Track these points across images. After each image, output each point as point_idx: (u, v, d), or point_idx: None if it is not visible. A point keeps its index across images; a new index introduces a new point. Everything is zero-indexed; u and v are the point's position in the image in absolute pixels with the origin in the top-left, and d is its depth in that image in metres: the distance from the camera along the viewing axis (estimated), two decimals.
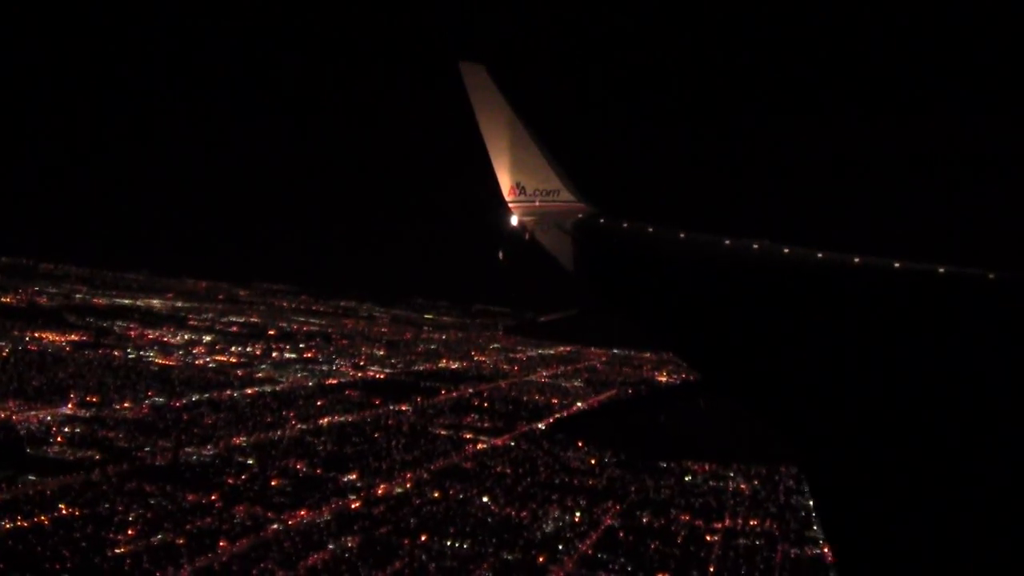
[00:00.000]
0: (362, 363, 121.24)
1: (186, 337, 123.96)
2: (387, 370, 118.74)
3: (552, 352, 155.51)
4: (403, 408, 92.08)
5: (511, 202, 11.89)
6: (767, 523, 63.48)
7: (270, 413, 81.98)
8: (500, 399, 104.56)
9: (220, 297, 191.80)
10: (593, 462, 76.80)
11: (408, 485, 63.98)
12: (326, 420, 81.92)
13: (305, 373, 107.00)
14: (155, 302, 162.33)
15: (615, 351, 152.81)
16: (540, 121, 11.88)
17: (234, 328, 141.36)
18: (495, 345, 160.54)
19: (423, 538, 52.71)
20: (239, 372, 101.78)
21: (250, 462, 65.05)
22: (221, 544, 48.30)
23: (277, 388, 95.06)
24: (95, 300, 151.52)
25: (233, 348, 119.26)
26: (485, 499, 62.26)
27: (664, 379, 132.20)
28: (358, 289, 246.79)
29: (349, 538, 51.69)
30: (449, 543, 52.44)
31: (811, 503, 70.32)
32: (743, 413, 5.04)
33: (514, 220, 11.83)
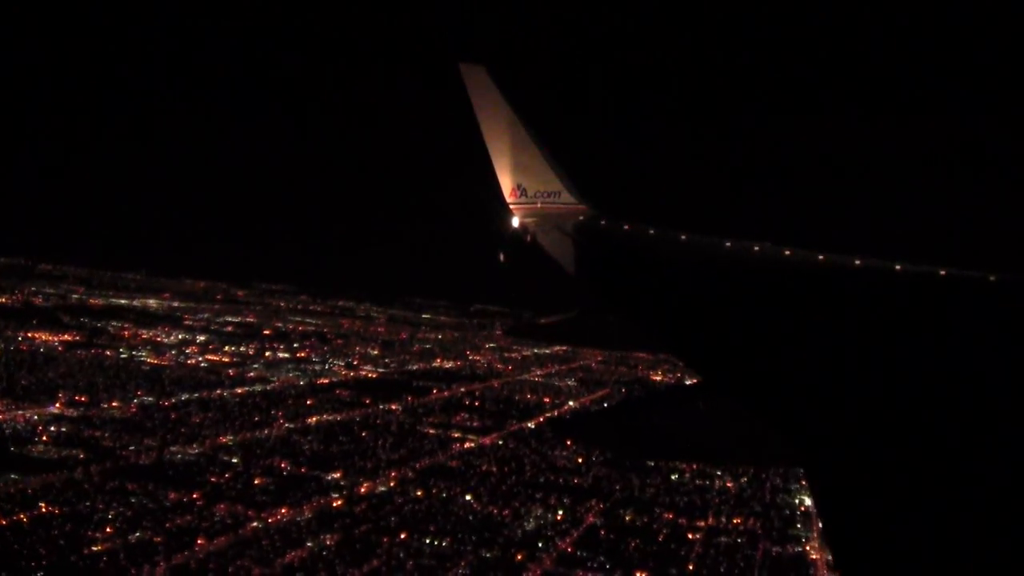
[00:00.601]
0: (355, 363, 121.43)
1: (180, 337, 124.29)
2: (380, 370, 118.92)
3: (548, 352, 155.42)
4: (393, 407, 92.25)
5: (512, 204, 11.92)
6: (752, 522, 63.53)
7: (258, 412, 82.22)
8: (491, 398, 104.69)
9: (218, 297, 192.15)
10: (580, 461, 76.87)
11: (391, 484, 64.15)
12: (314, 419, 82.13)
13: (297, 373, 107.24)
14: (151, 302, 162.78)
15: (613, 351, 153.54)
16: (541, 122, 11.94)
17: (229, 328, 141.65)
18: (491, 345, 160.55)
19: (402, 536, 52.88)
20: (231, 372, 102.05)
21: (234, 461, 65.30)
22: (199, 542, 48.51)
23: (267, 387, 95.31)
24: (91, 300, 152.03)
25: (226, 348, 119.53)
26: (468, 497, 62.41)
27: (659, 379, 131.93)
28: (358, 289, 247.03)
29: (328, 536, 51.88)
30: (428, 541, 52.61)
31: (795, 502, 70.41)
32: (743, 414, 5.06)
33: (515, 222, 11.84)
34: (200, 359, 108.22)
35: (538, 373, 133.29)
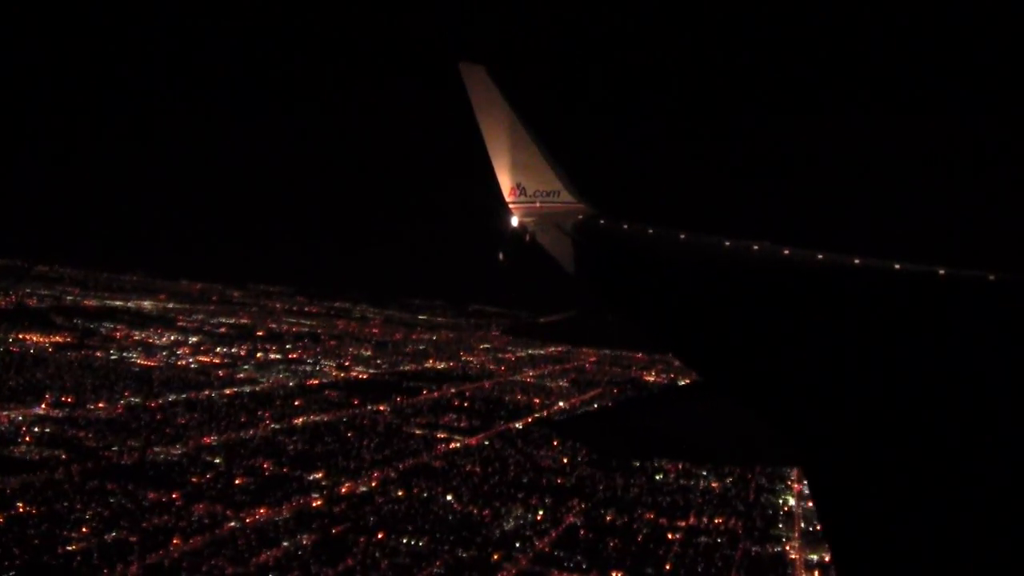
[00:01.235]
0: (347, 364, 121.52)
1: (172, 338, 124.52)
2: (371, 370, 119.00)
3: (543, 352, 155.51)
4: (381, 408, 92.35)
5: (511, 203, 11.95)
6: (733, 521, 63.55)
7: (245, 413, 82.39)
8: (481, 399, 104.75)
9: (213, 299, 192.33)
10: (565, 461, 76.94)
11: (373, 484, 64.27)
12: (300, 420, 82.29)
13: (287, 374, 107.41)
14: (146, 304, 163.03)
15: (607, 351, 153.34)
16: (540, 122, 11.98)
17: (223, 329, 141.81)
18: (485, 345, 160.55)
19: (379, 536, 53.00)
20: (220, 373, 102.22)
21: (217, 461, 65.44)
22: (174, 542, 48.67)
23: (256, 388, 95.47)
24: (85, 302, 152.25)
25: (218, 349, 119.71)
26: (448, 497, 62.50)
27: (652, 380, 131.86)
28: (356, 290, 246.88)
29: (304, 536, 52.01)
30: (404, 540, 52.71)
31: (780, 502, 70.39)
32: (740, 414, 5.07)
33: (514, 221, 11.88)
34: (190, 360, 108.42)
35: (531, 374, 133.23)
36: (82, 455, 62.17)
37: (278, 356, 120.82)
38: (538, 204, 11.96)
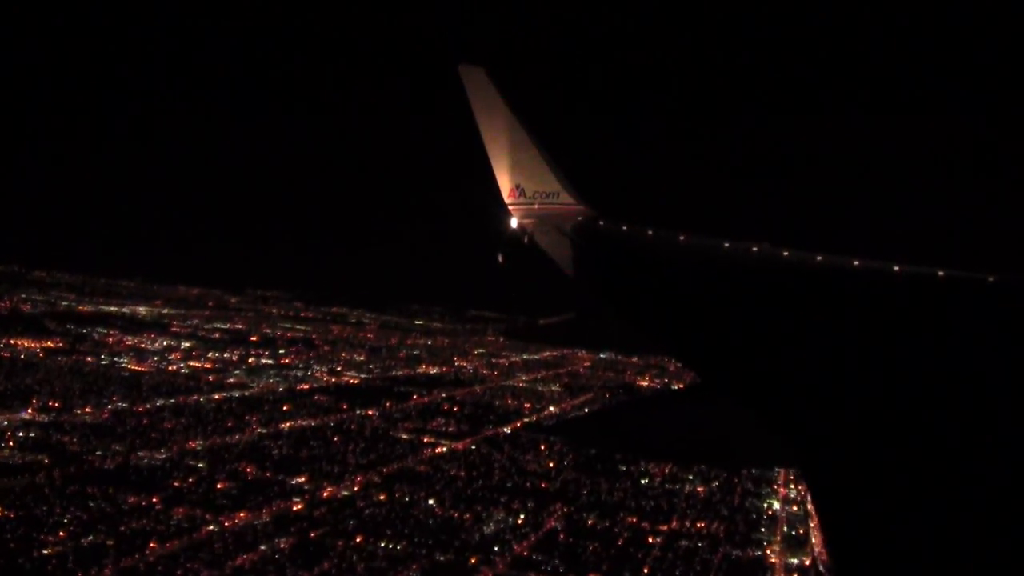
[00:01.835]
0: (339, 369, 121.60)
1: (164, 343, 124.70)
2: (363, 375, 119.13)
3: (537, 357, 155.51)
4: (369, 413, 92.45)
5: (511, 204, 11.98)
6: (716, 525, 63.51)
7: (232, 418, 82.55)
8: (471, 403, 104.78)
9: (209, 304, 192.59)
10: (551, 465, 77.02)
11: (355, 488, 64.36)
12: (287, 425, 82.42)
13: (278, 379, 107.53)
14: (141, 309, 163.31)
15: (602, 356, 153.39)
16: (540, 123, 12.03)
17: (216, 334, 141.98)
18: (480, 350, 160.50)
19: (358, 540, 53.08)
20: (210, 378, 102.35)
21: (200, 465, 65.58)
22: (151, 545, 48.79)
23: (246, 393, 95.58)
24: (80, 307, 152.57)
25: (210, 354, 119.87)
26: (430, 502, 62.56)
27: (645, 384, 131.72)
28: (354, 295, 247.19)
29: (282, 540, 52.11)
30: (383, 544, 52.79)
31: (765, 505, 70.29)
32: (738, 416, 5.04)
33: (514, 223, 11.91)
34: (181, 365, 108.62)
35: (523, 379, 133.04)
36: (64, 459, 62.32)
37: (270, 361, 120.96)
38: (537, 206, 12.03)
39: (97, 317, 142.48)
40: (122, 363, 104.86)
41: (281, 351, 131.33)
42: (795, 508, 70.37)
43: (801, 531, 64.45)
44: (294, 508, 58.35)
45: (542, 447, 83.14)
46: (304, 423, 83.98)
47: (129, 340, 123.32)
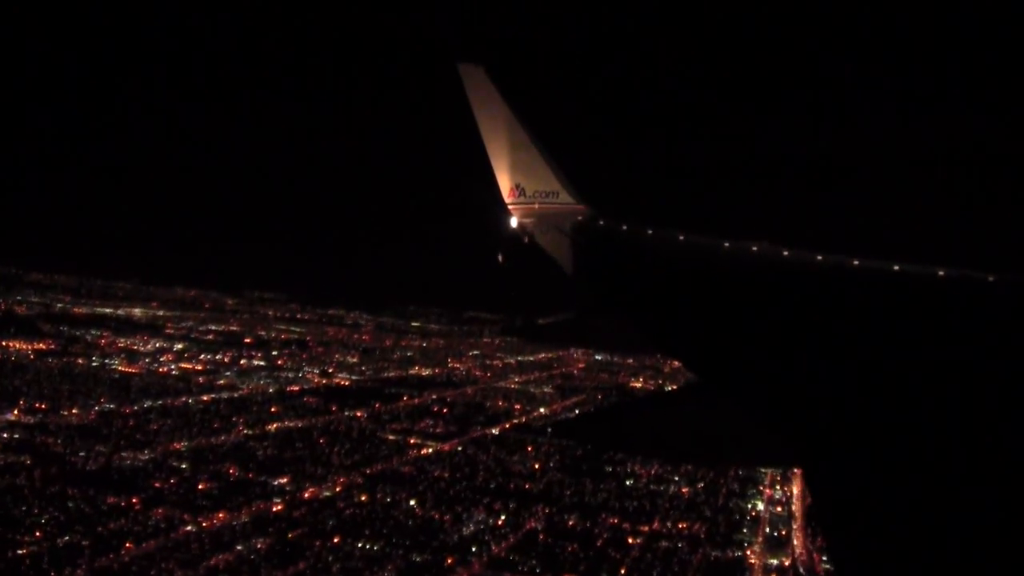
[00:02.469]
0: (331, 370, 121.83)
1: (157, 345, 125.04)
2: (354, 377, 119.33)
3: (532, 358, 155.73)
4: (357, 414, 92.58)
5: (510, 204, 11.94)
6: (698, 526, 63.47)
7: (219, 419, 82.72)
8: (461, 404, 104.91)
9: (206, 306, 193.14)
10: (536, 466, 77.03)
11: (337, 489, 64.46)
12: (274, 426, 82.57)
13: (269, 380, 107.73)
14: (137, 311, 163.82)
15: (597, 357, 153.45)
16: (539, 122, 11.97)
17: (210, 336, 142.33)
18: (474, 352, 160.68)
19: (335, 540, 53.16)
20: (200, 379, 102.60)
21: (183, 467, 65.73)
22: (127, 545, 48.93)
23: (235, 395, 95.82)
24: (75, 309, 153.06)
25: (202, 356, 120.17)
26: (411, 503, 62.61)
27: (639, 386, 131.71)
28: (352, 296, 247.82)
29: (259, 540, 52.21)
30: (360, 545, 52.85)
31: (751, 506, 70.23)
32: (735, 416, 5.04)
33: (513, 222, 11.87)
34: (172, 367, 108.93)
35: (516, 380, 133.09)
36: (46, 460, 62.50)
37: (262, 363, 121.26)
38: (537, 205, 12.00)
39: (91, 319, 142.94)
40: (113, 365, 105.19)
41: (274, 353, 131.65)
42: (779, 509, 70.43)
43: (784, 533, 64.50)
44: (274, 509, 58.44)
45: (529, 448, 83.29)
46: (291, 424, 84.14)
47: (122, 342, 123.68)
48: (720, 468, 72.93)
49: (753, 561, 57.57)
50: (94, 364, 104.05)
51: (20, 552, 46.09)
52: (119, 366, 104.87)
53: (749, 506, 70.82)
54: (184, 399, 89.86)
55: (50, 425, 73.03)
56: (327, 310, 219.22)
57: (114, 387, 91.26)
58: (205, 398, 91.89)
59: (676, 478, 75.68)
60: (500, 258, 11.83)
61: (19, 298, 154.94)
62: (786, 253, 7.69)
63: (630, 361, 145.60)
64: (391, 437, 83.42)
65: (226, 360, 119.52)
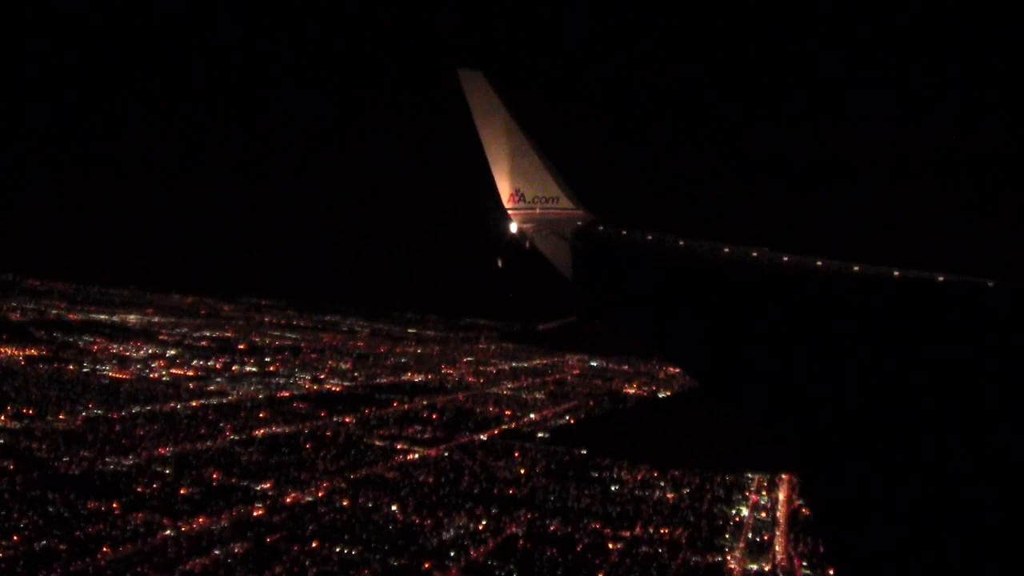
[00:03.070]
0: (323, 377, 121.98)
1: (149, 351, 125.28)
2: (346, 383, 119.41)
3: (526, 364, 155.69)
4: (346, 420, 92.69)
5: (510, 209, 11.98)
6: (679, 531, 63.53)
7: (206, 425, 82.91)
8: (452, 410, 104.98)
9: (201, 312, 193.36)
10: (521, 472, 77.12)
11: (320, 494, 64.60)
12: (261, 431, 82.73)
13: (259, 386, 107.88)
14: (131, 317, 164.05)
15: (592, 363, 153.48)
16: (539, 128, 12.05)
17: (203, 343, 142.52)
18: (468, 358, 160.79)
19: (313, 544, 53.30)
20: (191, 385, 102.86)
21: (167, 472, 65.91)
22: (104, 550, 49.11)
23: (224, 401, 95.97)
24: (70, 315, 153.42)
25: (194, 362, 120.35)
26: (393, 508, 62.73)
27: (632, 392, 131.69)
28: (349, 303, 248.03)
29: (237, 544, 52.36)
30: (338, 549, 52.98)
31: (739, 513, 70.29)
32: (732, 422, 5.01)
33: (513, 227, 11.91)
34: (163, 373, 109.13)
35: (508, 386, 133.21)
36: (31, 465, 62.72)
37: (254, 369, 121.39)
38: (537, 210, 12.05)
39: (85, 325, 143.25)
40: (103, 371, 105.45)
41: (267, 359, 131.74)
42: (764, 515, 70.45)
43: (766, 538, 64.54)
44: (255, 514, 58.59)
45: (516, 453, 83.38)
46: (278, 430, 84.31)
47: (114, 348, 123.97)
48: (707, 473, 73.02)
49: (733, 566, 57.64)
50: (84, 370, 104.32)
51: None
52: (110, 372, 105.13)
53: (733, 511, 70.85)
54: (173, 405, 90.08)
55: (36, 431, 73.28)
56: (323, 316, 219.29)
57: (103, 393, 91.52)
58: (194, 404, 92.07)
59: (662, 483, 75.75)
60: (500, 263, 11.93)
61: (14, 304, 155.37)
62: (786, 258, 7.71)
63: (625, 368, 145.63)
64: (378, 443, 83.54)
65: (218, 366, 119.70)
